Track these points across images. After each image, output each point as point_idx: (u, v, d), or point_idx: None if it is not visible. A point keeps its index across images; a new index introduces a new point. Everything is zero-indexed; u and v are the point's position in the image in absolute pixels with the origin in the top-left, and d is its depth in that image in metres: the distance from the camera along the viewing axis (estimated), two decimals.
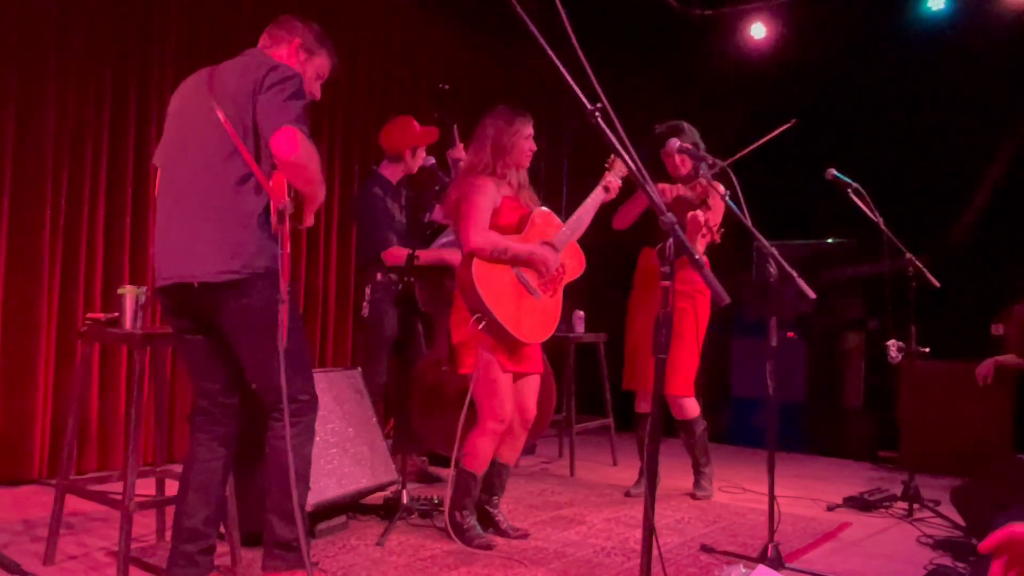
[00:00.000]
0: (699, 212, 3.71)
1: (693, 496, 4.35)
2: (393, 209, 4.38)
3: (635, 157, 2.06)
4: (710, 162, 3.75)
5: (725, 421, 6.36)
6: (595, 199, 3.65)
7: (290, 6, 4.81)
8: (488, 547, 3.29)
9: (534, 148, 3.49)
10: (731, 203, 3.44)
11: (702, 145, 4.19)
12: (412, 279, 4.15)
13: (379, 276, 4.35)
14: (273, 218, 2.44)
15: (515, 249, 3.34)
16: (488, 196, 3.37)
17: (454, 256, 4.20)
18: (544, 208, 3.55)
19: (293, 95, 2.45)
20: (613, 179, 3.68)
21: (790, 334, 6.06)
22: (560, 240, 3.48)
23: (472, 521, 3.37)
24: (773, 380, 3.17)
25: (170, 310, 2.63)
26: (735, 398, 6.34)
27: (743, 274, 6.07)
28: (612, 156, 3.78)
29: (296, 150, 2.36)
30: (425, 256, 4.19)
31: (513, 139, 3.42)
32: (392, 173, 4.44)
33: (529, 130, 3.46)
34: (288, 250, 2.43)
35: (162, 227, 2.58)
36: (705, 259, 4.16)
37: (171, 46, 4.82)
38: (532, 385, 3.48)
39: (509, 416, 3.37)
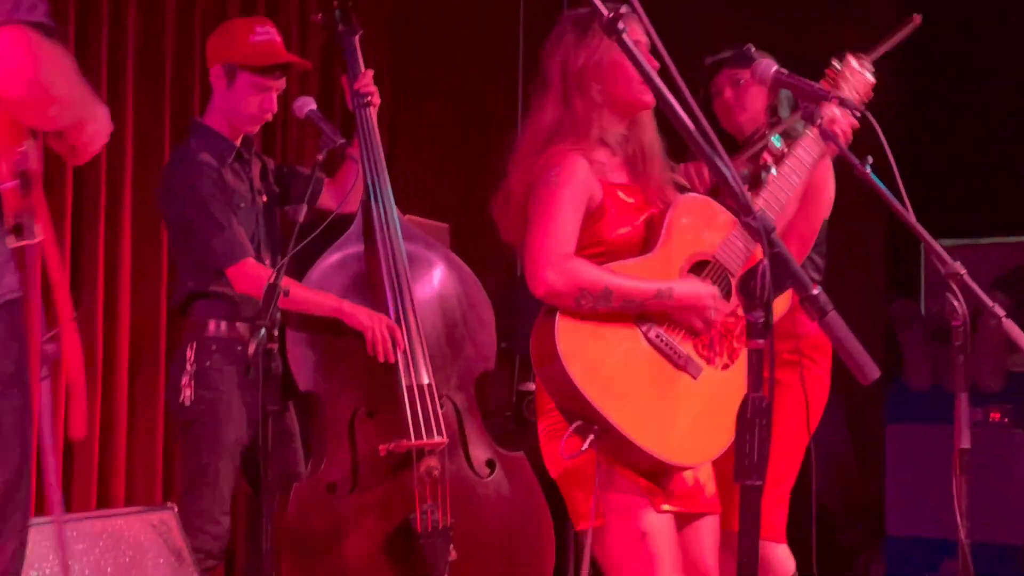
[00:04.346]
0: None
1: None
2: (239, 189, 2.82)
3: (699, 115, 1.35)
4: (834, 98, 2.17)
5: None
6: (804, 155, 2.27)
7: None
8: None
9: (648, 56, 1.97)
10: (876, 179, 2.07)
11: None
12: (276, 331, 2.55)
13: (211, 326, 2.79)
14: (7, 225, 1.61)
15: (631, 291, 2.20)
16: (575, 187, 2.24)
17: (355, 310, 2.72)
18: (693, 194, 2.42)
19: None
20: (834, 111, 2.16)
21: (994, 415, 4.22)
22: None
23: None
24: (963, 510, 1.98)
25: None
26: (891, 538, 4.38)
27: (898, 308, 4.38)
28: (843, 60, 2.31)
29: (28, 70, 1.38)
30: (302, 296, 2.69)
31: (601, 53, 2.18)
32: (224, 124, 2.84)
33: (635, 26, 1.87)
34: (55, 267, 1.61)
35: None
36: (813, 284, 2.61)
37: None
38: (709, 532, 2.45)
39: None
